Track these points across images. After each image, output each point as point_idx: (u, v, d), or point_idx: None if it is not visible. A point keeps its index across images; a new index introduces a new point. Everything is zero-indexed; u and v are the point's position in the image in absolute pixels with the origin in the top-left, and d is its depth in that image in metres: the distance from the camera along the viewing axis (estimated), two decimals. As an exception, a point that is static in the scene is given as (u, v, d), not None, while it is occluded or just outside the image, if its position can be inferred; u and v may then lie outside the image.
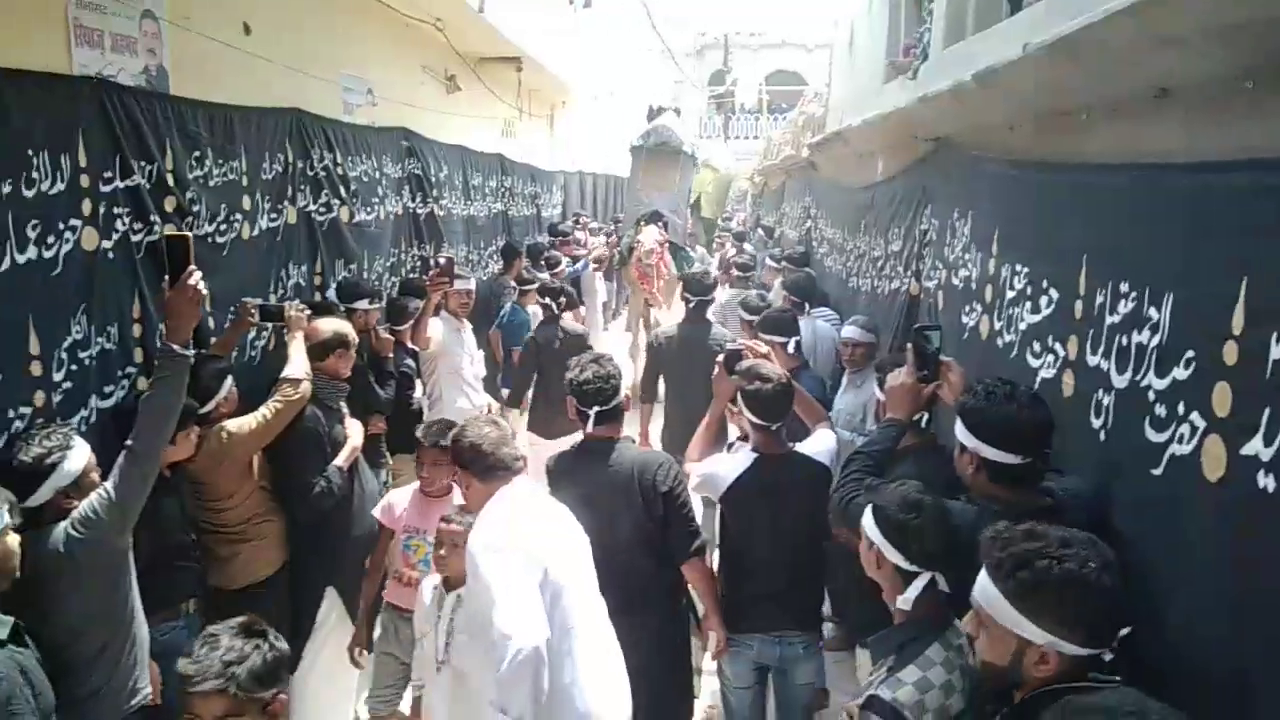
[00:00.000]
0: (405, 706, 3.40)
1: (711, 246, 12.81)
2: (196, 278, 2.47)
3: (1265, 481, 1.47)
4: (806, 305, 5.61)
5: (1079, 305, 2.31)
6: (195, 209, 3.66)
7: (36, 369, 2.80)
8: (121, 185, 3.23)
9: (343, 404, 3.75)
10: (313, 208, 4.87)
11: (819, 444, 3.16)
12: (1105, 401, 2.11)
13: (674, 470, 3.07)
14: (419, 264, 6.56)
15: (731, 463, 3.11)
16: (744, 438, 3.32)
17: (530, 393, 5.78)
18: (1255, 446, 1.50)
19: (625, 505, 2.97)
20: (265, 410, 3.31)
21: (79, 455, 2.44)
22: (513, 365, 6.16)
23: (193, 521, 3.19)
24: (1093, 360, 2.20)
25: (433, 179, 6.95)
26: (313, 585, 3.52)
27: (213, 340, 3.73)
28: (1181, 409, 1.75)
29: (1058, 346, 2.45)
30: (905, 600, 1.97)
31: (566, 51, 10.95)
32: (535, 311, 6.39)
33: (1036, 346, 2.61)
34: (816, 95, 10.63)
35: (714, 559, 3.30)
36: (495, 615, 2.29)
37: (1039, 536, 1.61)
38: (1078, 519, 1.83)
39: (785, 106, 25.21)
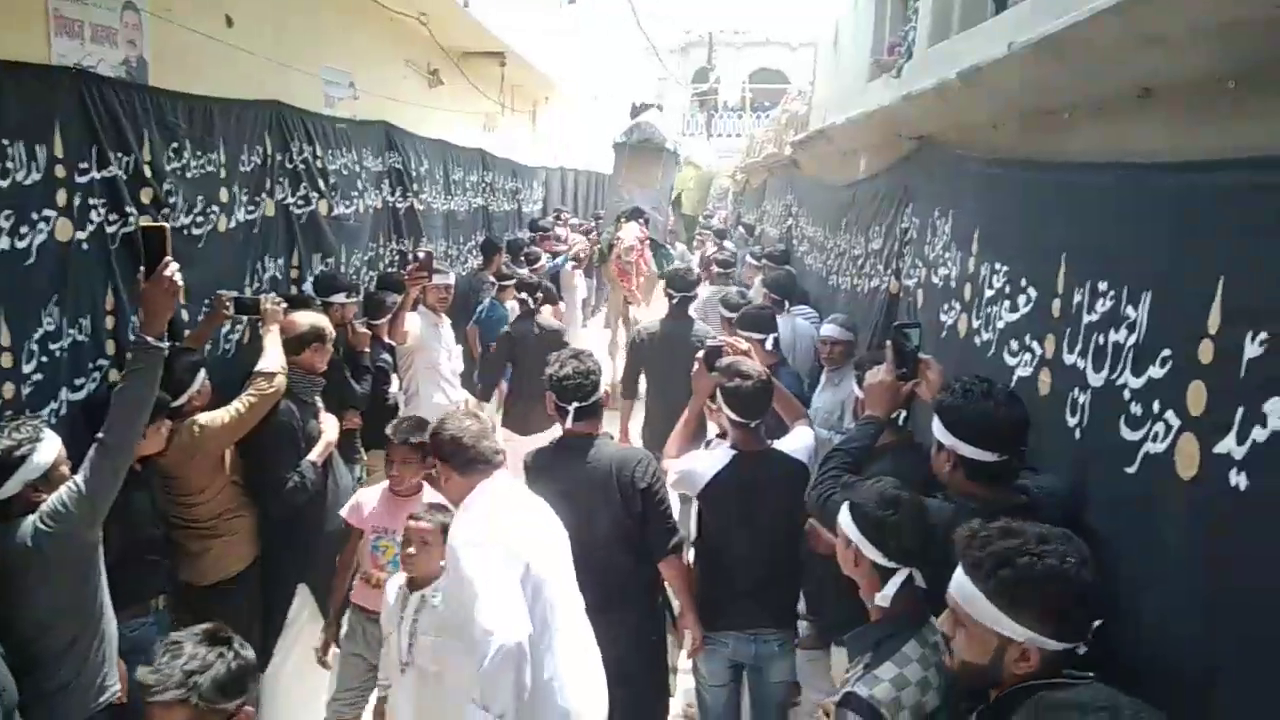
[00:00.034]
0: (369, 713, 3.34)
1: (693, 244, 12.81)
2: (173, 269, 2.44)
3: (1237, 480, 1.48)
4: (786, 303, 5.63)
5: (1057, 304, 2.32)
6: (172, 200, 3.63)
7: (6, 360, 2.76)
8: (98, 176, 3.19)
9: (318, 398, 3.72)
10: (291, 200, 4.83)
11: (797, 441, 3.17)
12: (1081, 400, 2.12)
13: (652, 467, 3.06)
14: (397, 258, 6.52)
15: (709, 460, 3.11)
16: (722, 435, 3.32)
17: (505, 388, 5.76)
18: (1228, 445, 1.51)
19: (604, 502, 2.97)
20: (239, 404, 3.28)
21: (49, 448, 2.40)
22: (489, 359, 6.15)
23: (163, 516, 3.15)
24: (1069, 359, 2.21)
25: (413, 173, 6.90)
26: (285, 581, 3.49)
27: (186, 333, 3.69)
28: (1157, 407, 1.76)
29: (1035, 345, 2.46)
30: (884, 597, 1.97)
31: (550, 47, 10.91)
32: (514, 307, 6.38)
33: (1014, 345, 2.62)
34: (800, 93, 10.67)
35: (690, 556, 3.30)
36: (477, 611, 2.28)
37: (1016, 533, 1.62)
38: (1053, 516, 1.84)
39: (768, 105, 25.25)
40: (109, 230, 3.26)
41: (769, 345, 4.30)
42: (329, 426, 3.68)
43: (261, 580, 3.46)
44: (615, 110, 13.53)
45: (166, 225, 2.64)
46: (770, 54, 35.92)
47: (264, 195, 4.50)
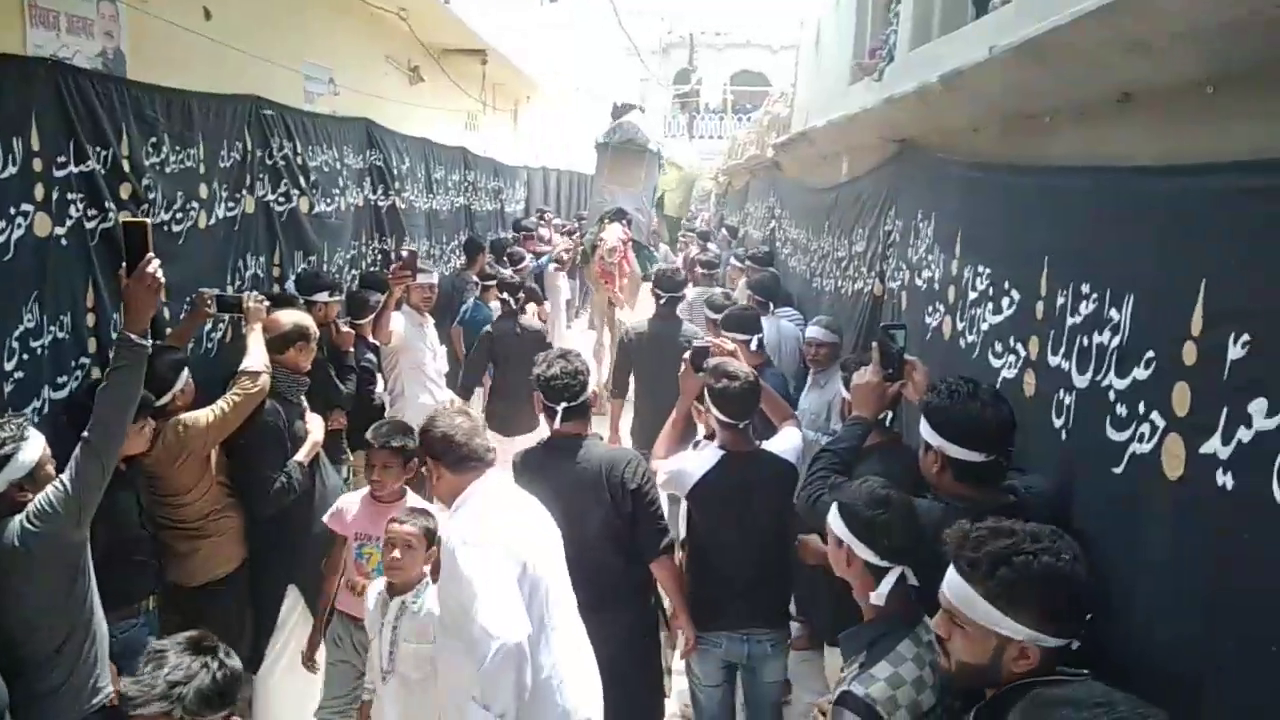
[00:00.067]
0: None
1: (676, 245, 12.83)
2: (155, 265, 2.41)
3: (1224, 480, 1.50)
4: (771, 305, 5.65)
5: (1040, 306, 2.35)
6: (151, 196, 3.59)
7: (-13, 358, 2.72)
8: (75, 170, 3.15)
9: (303, 398, 3.69)
10: (271, 197, 4.79)
11: (785, 442, 3.18)
12: (1066, 401, 2.14)
13: (642, 467, 3.06)
14: (380, 257, 6.48)
15: (698, 460, 3.11)
16: (710, 436, 3.32)
17: (488, 382, 5.75)
18: (1214, 445, 1.53)
19: (594, 502, 2.96)
20: (223, 403, 3.24)
21: (33, 447, 2.37)
22: (472, 359, 6.13)
23: (151, 517, 3.12)
24: (1054, 360, 2.24)
25: (395, 171, 6.86)
26: (273, 582, 3.46)
27: (168, 331, 3.65)
28: (1142, 408, 1.78)
29: (1019, 347, 2.48)
30: (878, 596, 1.98)
31: (531, 45, 10.89)
32: (498, 307, 6.36)
33: (998, 347, 2.64)
34: (782, 95, 10.70)
35: (680, 556, 3.30)
36: (477, 611, 2.27)
37: (1008, 533, 1.63)
38: (1040, 516, 1.85)
39: (750, 107, 25.38)
40: (88, 226, 3.22)
41: (754, 346, 4.31)
42: (315, 427, 3.65)
43: (250, 581, 3.43)
44: (597, 110, 13.52)
45: (148, 221, 2.61)
46: (751, 56, 36.05)
47: (244, 192, 4.46)
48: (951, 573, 1.68)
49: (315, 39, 5.65)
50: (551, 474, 2.98)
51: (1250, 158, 1.54)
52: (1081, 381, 2.07)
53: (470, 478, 2.55)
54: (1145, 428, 1.76)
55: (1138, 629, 1.76)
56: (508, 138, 11.97)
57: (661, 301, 5.47)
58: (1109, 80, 2.08)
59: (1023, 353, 2.45)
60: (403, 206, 7.03)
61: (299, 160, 5.06)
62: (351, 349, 4.68)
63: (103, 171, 3.28)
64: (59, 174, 3.06)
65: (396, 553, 2.80)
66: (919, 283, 3.63)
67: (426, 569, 2.90)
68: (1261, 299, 1.46)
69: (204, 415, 3.21)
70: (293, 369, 3.60)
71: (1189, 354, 1.63)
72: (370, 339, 4.98)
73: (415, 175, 7.49)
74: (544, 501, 2.71)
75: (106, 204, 3.29)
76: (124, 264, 2.46)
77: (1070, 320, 2.15)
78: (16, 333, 2.85)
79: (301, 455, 3.47)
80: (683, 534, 3.29)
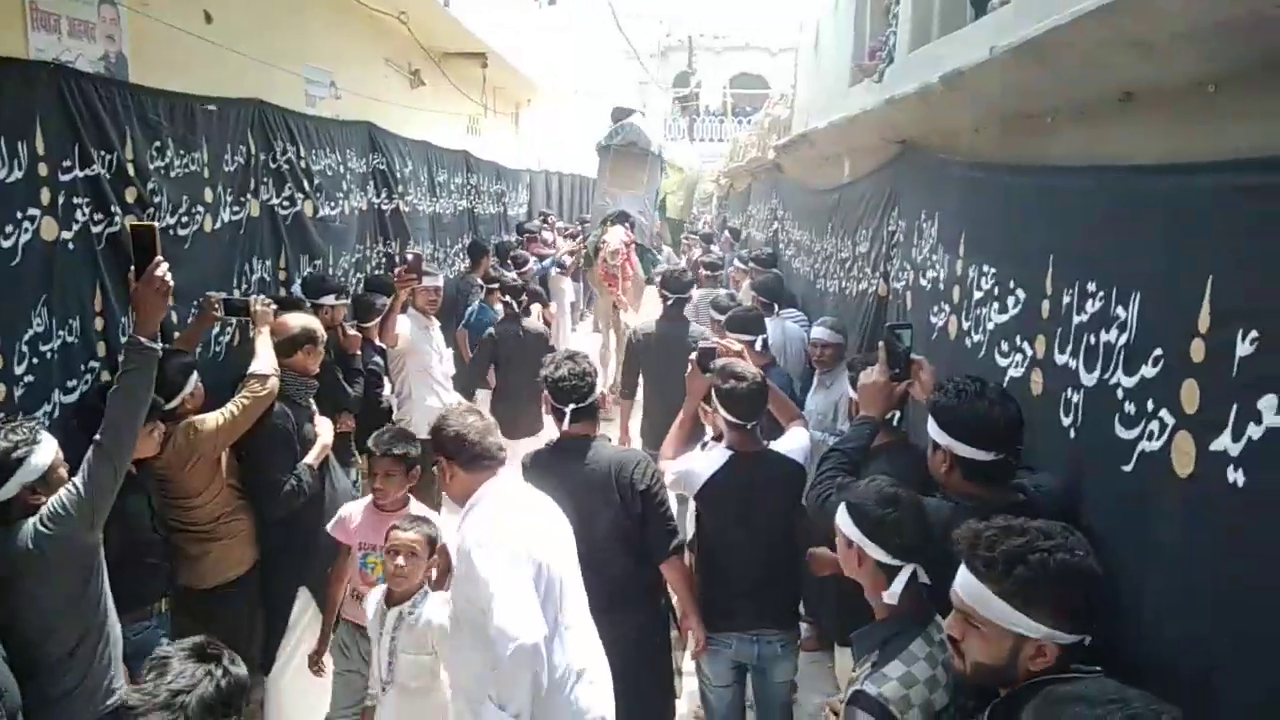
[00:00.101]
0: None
1: (679, 248, 12.84)
2: (163, 269, 2.42)
3: (1234, 477, 1.50)
4: (775, 306, 5.66)
5: (1046, 305, 2.35)
6: (156, 200, 3.60)
7: (-3, 362, 2.73)
8: (81, 174, 3.16)
9: (311, 401, 3.70)
10: (276, 201, 4.80)
11: (793, 442, 3.18)
12: (1074, 399, 2.15)
13: (651, 469, 3.07)
14: (384, 260, 6.49)
15: (706, 460, 3.12)
16: (718, 437, 3.33)
17: (490, 392, 5.76)
18: (1224, 442, 1.53)
19: (603, 503, 2.97)
20: (232, 406, 3.25)
21: (46, 450, 2.37)
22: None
23: (161, 520, 3.13)
24: (1061, 359, 2.24)
25: (397, 174, 6.88)
26: (284, 585, 3.47)
27: (176, 335, 3.66)
28: (1150, 406, 1.79)
29: (1026, 346, 2.48)
30: (891, 595, 1.98)
31: (532, 48, 10.90)
32: (502, 310, 6.37)
33: (1004, 346, 2.65)
34: (783, 97, 10.71)
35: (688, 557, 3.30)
36: (494, 612, 2.27)
37: (1020, 531, 1.63)
38: (1049, 515, 1.85)
39: (749, 109, 25.39)
40: (94, 230, 3.23)
41: (758, 347, 4.32)
42: (324, 429, 3.65)
43: (261, 583, 3.43)
44: (597, 113, 13.54)
45: (155, 224, 2.62)
46: (750, 59, 36.05)
47: (248, 196, 4.47)
48: (965, 573, 1.67)
49: (316, 42, 5.65)
50: (560, 475, 2.98)
51: (1256, 155, 1.54)
52: (1089, 380, 2.07)
53: (483, 477, 2.55)
54: (1154, 425, 1.76)
55: (1149, 627, 1.76)
56: (509, 141, 11.99)
57: (669, 303, 5.48)
58: (1110, 80, 2.09)
59: (1029, 352, 2.45)
60: (406, 210, 7.05)
61: (302, 164, 5.07)
62: (359, 352, 4.69)
63: (108, 175, 3.29)
64: (64, 178, 3.07)
65: (400, 559, 2.79)
66: (924, 283, 3.63)
67: (431, 575, 2.90)
68: (1269, 296, 1.47)
69: (213, 418, 3.22)
70: (301, 372, 3.61)
71: (1197, 351, 1.64)
72: (377, 342, 5.00)
73: (418, 179, 7.51)
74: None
75: (112, 208, 3.29)
76: (132, 267, 2.46)
77: (1077, 319, 2.16)
78: (26, 337, 2.85)
79: (311, 458, 3.48)
80: (690, 534, 3.29)
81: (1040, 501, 2.09)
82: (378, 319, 4.97)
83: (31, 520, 2.29)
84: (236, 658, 1.80)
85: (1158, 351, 1.79)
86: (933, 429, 2.27)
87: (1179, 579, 1.67)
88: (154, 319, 2.45)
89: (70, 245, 3.09)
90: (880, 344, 2.76)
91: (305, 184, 5.09)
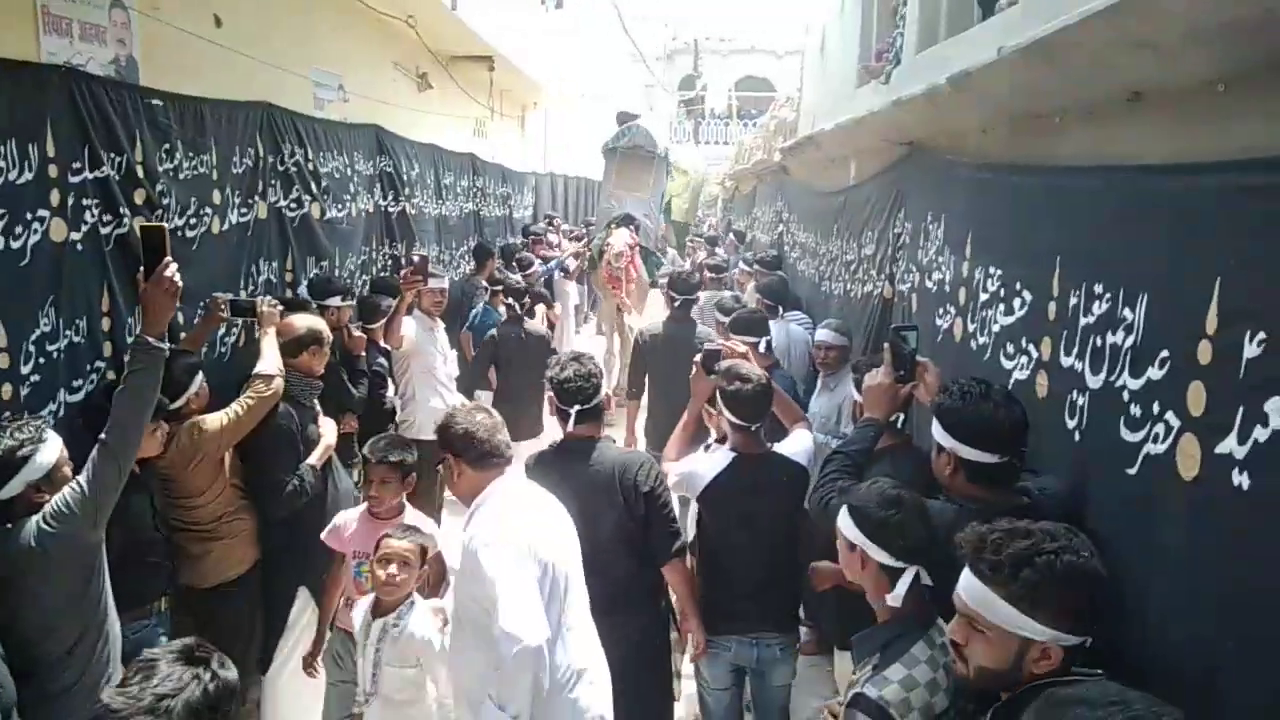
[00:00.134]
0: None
1: (684, 250, 12.85)
2: (172, 269, 2.43)
3: (1240, 479, 1.49)
4: (780, 308, 5.66)
5: (1052, 307, 2.34)
6: (165, 202, 3.62)
7: (4, 361, 2.75)
8: (90, 176, 3.18)
9: (316, 402, 3.71)
10: (283, 203, 4.82)
11: (797, 444, 3.17)
12: (1080, 402, 2.14)
13: (655, 470, 3.06)
14: (390, 262, 6.52)
15: (709, 462, 3.11)
16: (721, 439, 3.33)
17: (490, 394, 5.77)
18: (1230, 445, 1.52)
19: (607, 505, 2.96)
20: (237, 406, 3.26)
21: (51, 448, 2.38)
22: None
23: (163, 519, 3.13)
24: (1066, 361, 2.23)
25: (404, 177, 6.90)
26: (285, 584, 3.47)
27: (183, 335, 3.68)
28: (1156, 408, 1.78)
29: (1031, 348, 2.48)
30: (895, 597, 1.97)
31: (538, 52, 10.93)
32: (505, 313, 6.38)
33: (1010, 348, 2.64)
34: (789, 100, 10.71)
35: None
36: (499, 613, 2.27)
37: (1025, 534, 1.62)
38: (1054, 518, 1.84)
39: (755, 112, 25.37)
40: (103, 231, 3.25)
41: (762, 348, 4.32)
42: (328, 430, 3.66)
43: (262, 583, 3.44)
44: (603, 116, 13.56)
45: (165, 225, 2.63)
46: (756, 62, 36.01)
47: (256, 197, 4.49)
48: (969, 577, 1.66)
49: (324, 46, 5.68)
50: (565, 476, 2.97)
51: (1264, 155, 1.54)
52: (1095, 382, 2.06)
53: (492, 475, 2.55)
54: (1160, 428, 1.75)
55: (1152, 630, 1.75)
56: (515, 144, 12.02)
57: (676, 304, 5.49)
58: (1118, 80, 2.08)
59: (1035, 354, 2.44)
60: (412, 212, 7.08)
61: (310, 166, 5.09)
62: (363, 353, 4.70)
63: (117, 177, 3.31)
64: (74, 180, 3.09)
65: (393, 568, 2.77)
66: (929, 285, 3.62)
67: (418, 586, 2.88)
68: (1277, 297, 1.46)
69: (218, 418, 3.23)
70: (306, 373, 3.62)
71: (1204, 353, 1.63)
72: (382, 343, 5.01)
73: (425, 181, 7.53)
74: (556, 504, 2.71)
75: (121, 209, 3.31)
76: (141, 268, 2.48)
77: (1083, 320, 2.15)
78: (33, 336, 2.87)
79: (314, 458, 3.49)
80: (691, 536, 3.29)
81: (1045, 504, 2.08)
82: (383, 320, 4.99)
83: (35, 518, 2.30)
84: (227, 661, 1.73)
85: (1164, 353, 1.78)
86: (937, 431, 2.27)
87: (1183, 582, 1.66)
88: (162, 319, 2.46)
89: (79, 246, 3.11)
90: (886, 345, 2.75)
91: (313, 186, 5.11)
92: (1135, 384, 1.87)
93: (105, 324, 3.26)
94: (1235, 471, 1.51)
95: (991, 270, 2.85)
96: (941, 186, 3.61)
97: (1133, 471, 1.84)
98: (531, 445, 4.83)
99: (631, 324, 8.23)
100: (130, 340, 2.72)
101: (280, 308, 3.72)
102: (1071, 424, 2.17)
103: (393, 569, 2.77)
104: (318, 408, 3.71)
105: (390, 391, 5.10)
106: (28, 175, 2.86)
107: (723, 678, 3.10)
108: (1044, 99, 2.57)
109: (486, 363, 5.75)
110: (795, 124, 8.89)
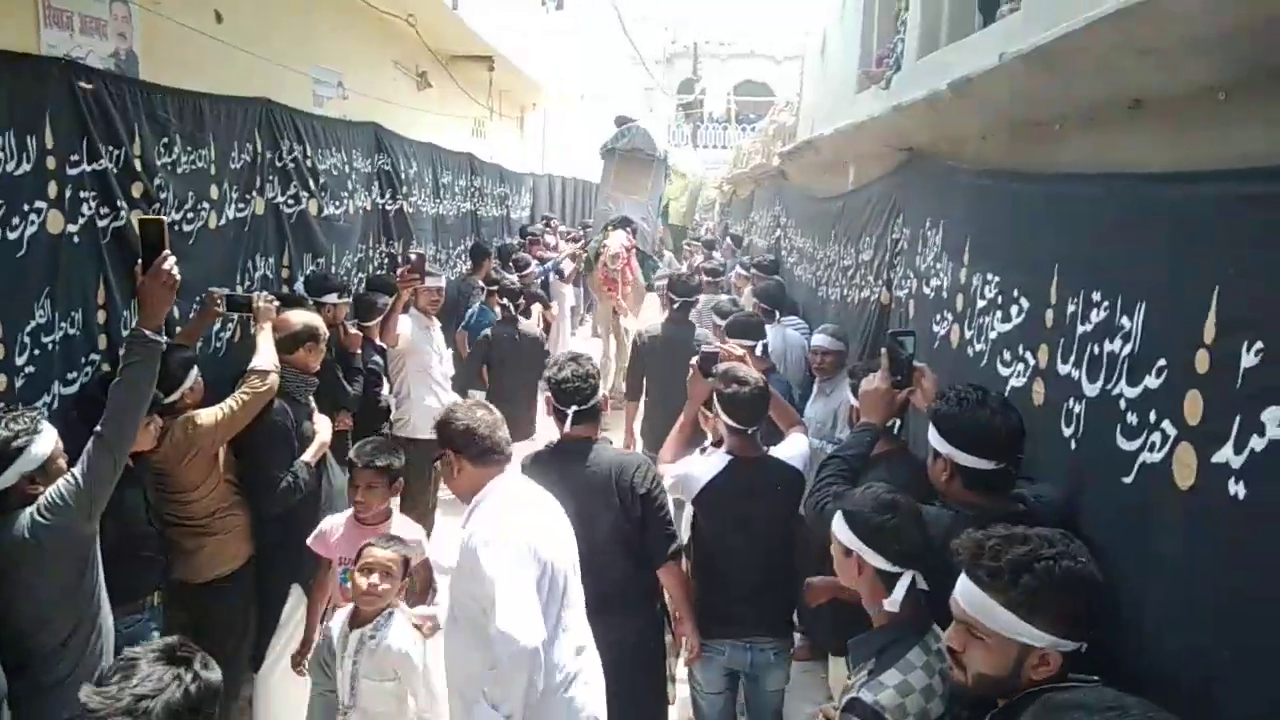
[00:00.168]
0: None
1: (681, 254, 12.86)
2: (171, 263, 2.42)
3: (1236, 489, 1.49)
4: (776, 313, 5.66)
5: (1050, 314, 2.34)
6: (163, 196, 3.61)
7: (-1, 352, 2.73)
8: (88, 169, 3.17)
9: (311, 399, 3.70)
10: (281, 199, 4.81)
11: (793, 448, 3.17)
12: (1076, 410, 2.14)
13: (652, 472, 3.06)
14: (387, 260, 6.51)
15: (705, 465, 3.11)
16: (718, 442, 3.32)
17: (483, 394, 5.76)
18: (1226, 454, 1.52)
19: (603, 506, 2.96)
20: (232, 402, 3.25)
21: (46, 440, 2.37)
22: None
23: (157, 513, 3.12)
24: (1063, 369, 2.23)
25: (402, 175, 6.90)
26: (278, 580, 3.46)
27: (178, 330, 3.66)
28: (1153, 417, 1.77)
29: (1028, 355, 2.47)
30: (892, 602, 1.96)
31: (538, 52, 10.93)
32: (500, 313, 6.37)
33: (1007, 355, 2.64)
34: (788, 104, 10.73)
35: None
36: (496, 613, 2.26)
37: (1022, 539, 1.62)
38: (1049, 525, 1.84)
39: (753, 117, 25.41)
40: (100, 224, 3.24)
41: (758, 352, 4.32)
42: (322, 427, 3.65)
43: (256, 579, 3.43)
44: (602, 118, 13.57)
45: (164, 219, 2.62)
46: (755, 66, 36.07)
47: (254, 193, 4.48)
48: (966, 583, 1.66)
49: (324, 43, 5.68)
50: (561, 477, 2.95)
51: (1264, 163, 1.54)
52: (1092, 390, 2.06)
53: (492, 472, 2.54)
54: (1156, 437, 1.75)
55: (1149, 638, 1.75)
56: (514, 144, 12.02)
57: (675, 306, 5.50)
58: (1119, 86, 2.08)
59: (1032, 361, 2.44)
60: (410, 211, 7.07)
61: (308, 163, 5.08)
62: (359, 351, 4.69)
63: (115, 170, 3.30)
64: (72, 172, 3.08)
65: (375, 578, 2.74)
66: (927, 291, 3.62)
67: (395, 598, 2.84)
68: (1275, 306, 1.46)
69: (212, 413, 3.22)
70: (302, 369, 3.61)
71: (1201, 362, 1.62)
72: (377, 341, 5.00)
73: (423, 180, 7.52)
74: (551, 506, 2.70)
75: (119, 203, 3.31)
76: (140, 261, 2.47)
77: (1081, 328, 2.15)
78: (28, 328, 2.86)
79: (309, 455, 3.48)
80: (686, 539, 3.28)
81: (1040, 512, 2.08)
82: (379, 318, 4.98)
83: (29, 510, 2.29)
84: (210, 661, 1.70)
85: (1161, 362, 1.77)
86: (934, 437, 2.27)
87: (1179, 591, 1.66)
88: (159, 312, 2.45)
89: (75, 239, 3.10)
90: (883, 351, 2.75)
91: (310, 183, 5.10)
92: (1132, 392, 1.87)
93: (101, 317, 3.25)
94: (1231, 481, 1.50)
95: (989, 277, 2.85)
96: (940, 192, 3.61)
97: (1129, 480, 1.84)
98: (524, 447, 4.81)
99: (627, 327, 8.23)
100: (126, 333, 2.71)
101: (276, 304, 3.70)
102: (1068, 432, 2.17)
103: (374, 579, 2.74)
104: (313, 404, 3.70)
105: (385, 390, 5.09)
106: (26, 167, 2.85)
107: (716, 682, 3.10)
108: (1045, 105, 2.57)
109: (479, 362, 5.75)
110: (794, 128, 8.90)
